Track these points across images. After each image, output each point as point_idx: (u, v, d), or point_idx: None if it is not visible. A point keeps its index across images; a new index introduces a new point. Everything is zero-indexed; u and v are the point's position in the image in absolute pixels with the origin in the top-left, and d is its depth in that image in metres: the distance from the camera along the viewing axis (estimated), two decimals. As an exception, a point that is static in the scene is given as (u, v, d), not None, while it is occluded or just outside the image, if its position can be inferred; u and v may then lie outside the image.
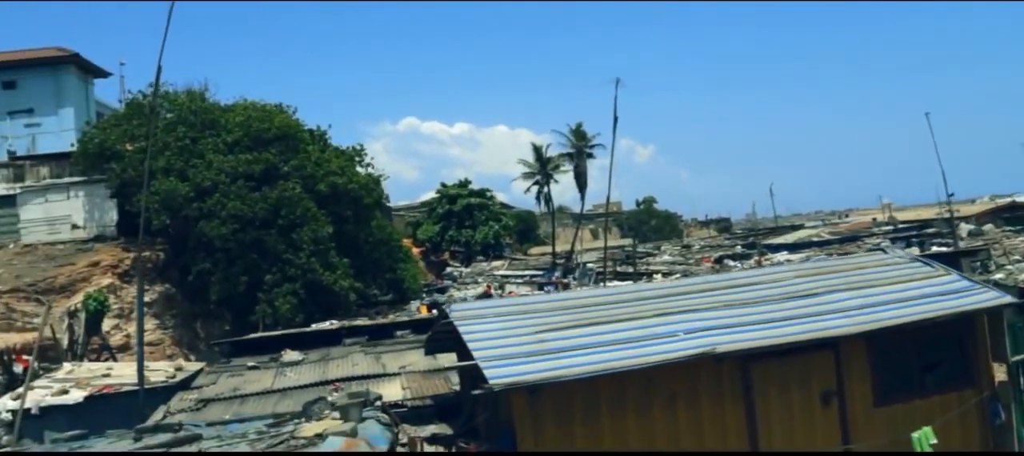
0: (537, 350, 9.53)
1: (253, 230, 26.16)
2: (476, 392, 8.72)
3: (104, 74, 40.95)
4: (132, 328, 23.32)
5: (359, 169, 31.58)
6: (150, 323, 24.18)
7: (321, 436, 8.55)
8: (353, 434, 8.44)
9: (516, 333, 9.97)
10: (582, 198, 58.00)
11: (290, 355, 15.68)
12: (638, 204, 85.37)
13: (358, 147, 32.32)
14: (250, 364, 15.57)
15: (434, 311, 20.68)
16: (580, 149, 56.63)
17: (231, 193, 26.20)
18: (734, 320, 10.42)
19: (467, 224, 53.00)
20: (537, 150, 57.37)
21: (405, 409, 11.92)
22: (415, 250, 44.84)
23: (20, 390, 13.31)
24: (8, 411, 12.93)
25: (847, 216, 70.47)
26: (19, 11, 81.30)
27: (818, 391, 10.48)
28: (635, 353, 9.50)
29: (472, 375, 11.93)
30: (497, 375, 8.78)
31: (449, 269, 47.84)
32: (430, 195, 58.57)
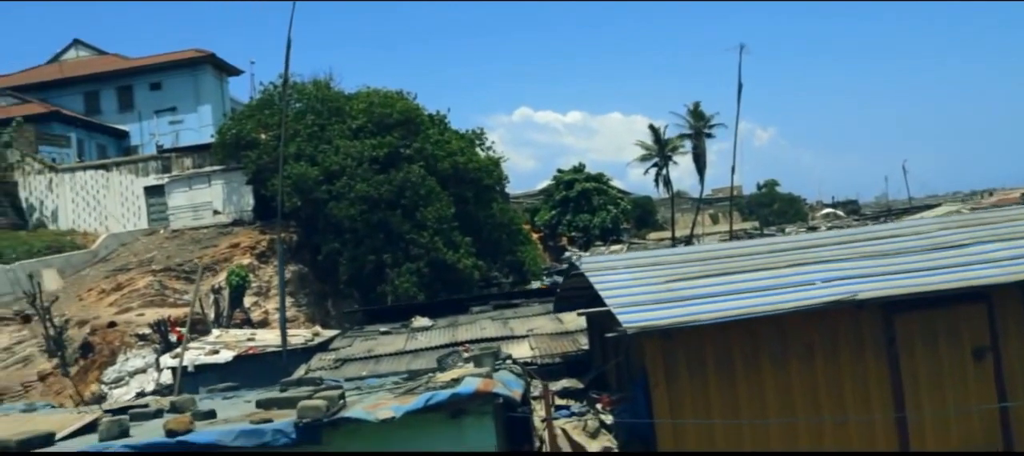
0: (668, 297, 9.46)
1: (379, 211, 27.03)
2: (610, 335, 8.72)
3: (237, 72, 43.22)
4: (270, 305, 24.60)
5: (479, 151, 32.09)
6: (286, 301, 25.42)
7: (457, 380, 8.77)
8: (489, 377, 8.63)
9: (647, 282, 9.91)
10: (701, 179, 56.78)
11: (420, 321, 16.14)
12: (759, 187, 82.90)
13: (477, 130, 32.88)
14: (382, 330, 16.12)
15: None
16: (699, 130, 55.47)
17: (358, 176, 27.15)
18: (875, 270, 9.99)
19: (585, 209, 52.86)
20: (655, 131, 56.52)
21: (535, 366, 12.07)
22: (534, 235, 45.16)
23: (178, 350, 14.28)
24: (168, 368, 13.90)
25: (991, 195, 66.20)
26: (161, 16, 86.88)
27: (970, 346, 9.91)
28: (769, 301, 9.26)
29: (601, 330, 11.99)
30: (630, 320, 8.75)
31: (567, 254, 47.93)
32: (547, 183, 58.80)
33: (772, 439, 9.43)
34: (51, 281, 23.96)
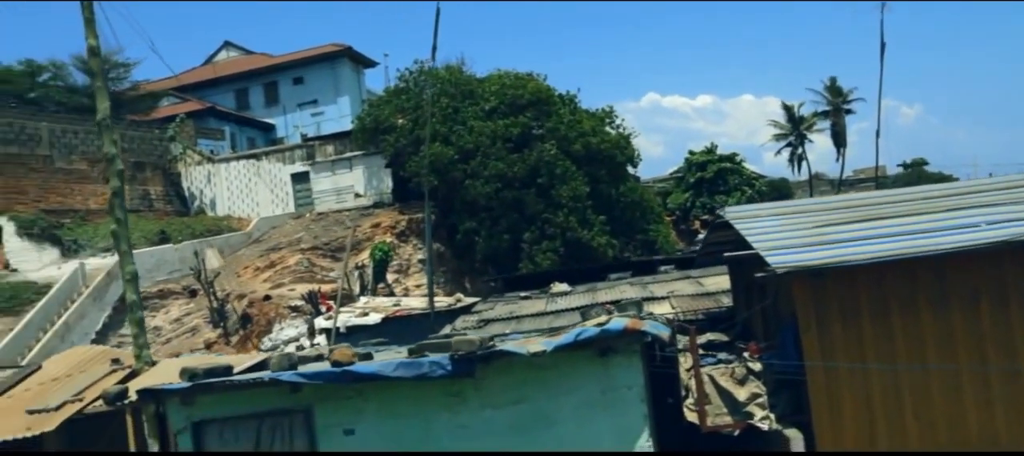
0: (818, 240, 9.22)
1: (513, 190, 27.46)
2: (759, 275, 8.58)
3: (372, 64, 44.81)
4: (410, 282, 25.50)
5: (609, 130, 32.00)
6: (423, 279, 26.27)
7: (604, 322, 8.89)
8: (636, 317, 8.70)
9: (795, 228, 9.70)
10: (841, 157, 54.27)
11: (559, 287, 16.34)
12: (905, 167, 78.41)
13: (607, 108, 32.73)
14: (522, 295, 16.42)
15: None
16: (837, 106, 53.06)
17: (492, 155, 27.67)
18: (1046, 213, 9.37)
19: (720, 190, 51.62)
20: (789, 110, 54.46)
21: (677, 323, 12.00)
22: (666, 218, 44.53)
23: (330, 314, 15.09)
24: (321, 329, 14.72)
25: None
26: (302, 15, 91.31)
27: None
28: (929, 243, 8.86)
29: (746, 283, 11.80)
30: (780, 261, 8.59)
31: (700, 237, 46.98)
32: (677, 168, 57.74)
33: (933, 387, 9.03)
34: (213, 260, 25.72)
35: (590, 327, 8.24)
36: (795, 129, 54.50)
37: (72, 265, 25.14)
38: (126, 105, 35.74)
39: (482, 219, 27.53)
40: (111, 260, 25.22)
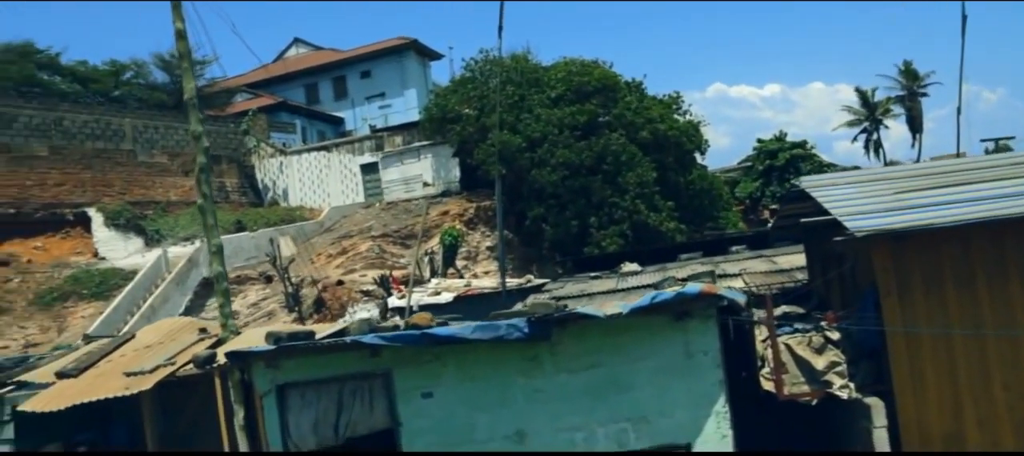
0: (898, 206, 9.03)
1: (581, 177, 27.43)
2: (837, 240, 8.45)
3: (437, 56, 45.30)
4: (478, 268, 25.76)
5: (677, 117, 31.71)
6: (491, 266, 26.50)
7: (681, 287, 8.89)
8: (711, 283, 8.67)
9: (874, 195, 9.52)
10: (917, 143, 52.57)
11: (629, 266, 16.32)
12: (987, 153, 75.46)
13: (674, 94, 32.41)
14: (592, 275, 16.45)
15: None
16: (912, 90, 51.45)
17: (559, 143, 27.70)
18: None
19: (791, 178, 50.54)
20: (863, 95, 52.98)
21: (751, 297, 11.89)
22: (735, 207, 43.84)
23: (402, 295, 15.38)
24: (393, 310, 15.01)
25: None
26: (369, 9, 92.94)
27: None
28: (1019, 204, 8.59)
29: (821, 255, 11.63)
30: (858, 225, 8.45)
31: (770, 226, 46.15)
32: (744, 158, 56.73)
33: (1023, 356, 8.77)
34: (286, 248, 26.36)
35: (665, 292, 8.24)
36: (870, 114, 53.00)
37: (155, 253, 26.16)
38: (202, 101, 36.84)
39: (550, 206, 27.58)
40: (191, 248, 26.18)
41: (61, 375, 9.86)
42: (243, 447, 10.02)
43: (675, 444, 8.43)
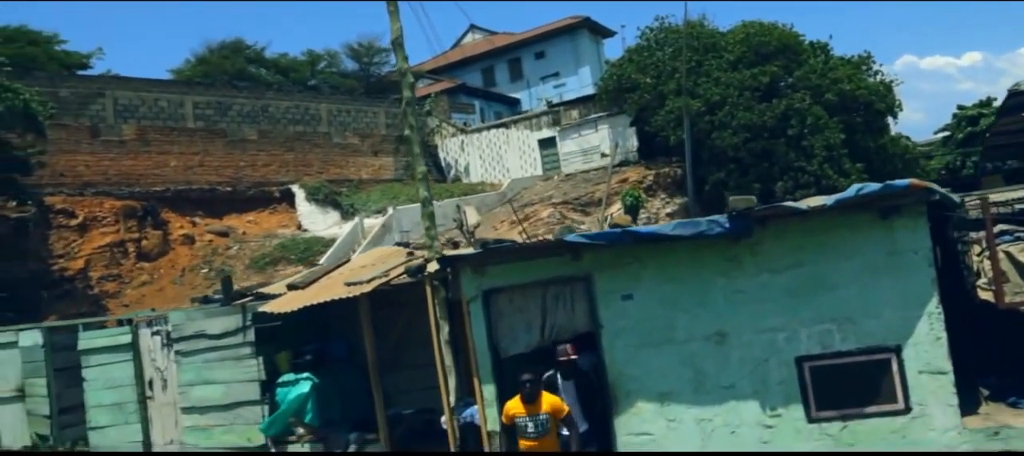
0: None
1: (762, 140, 26.72)
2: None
3: (610, 34, 45.48)
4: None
5: (866, 78, 30.13)
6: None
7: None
8: (921, 181, 8.34)
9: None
10: None
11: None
12: None
13: (864, 54, 30.79)
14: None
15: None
16: None
17: (739, 105, 27.10)
18: None
19: (993, 146, 46.63)
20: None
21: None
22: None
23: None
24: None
25: None
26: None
27: None
28: None
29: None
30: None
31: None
32: (939, 130, 52.74)
33: None
34: (471, 216, 27.42)
35: (871, 184, 8.03)
36: (1089, 75, 47.76)
37: (350, 224, 28.07)
38: (388, 87, 39.07)
39: (731, 170, 27.05)
40: (382, 218, 27.88)
41: (291, 287, 10.98)
42: (447, 361, 10.71)
43: (883, 346, 8.19)
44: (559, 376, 8.99)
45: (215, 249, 28.01)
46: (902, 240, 8.16)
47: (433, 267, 9.96)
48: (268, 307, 10.31)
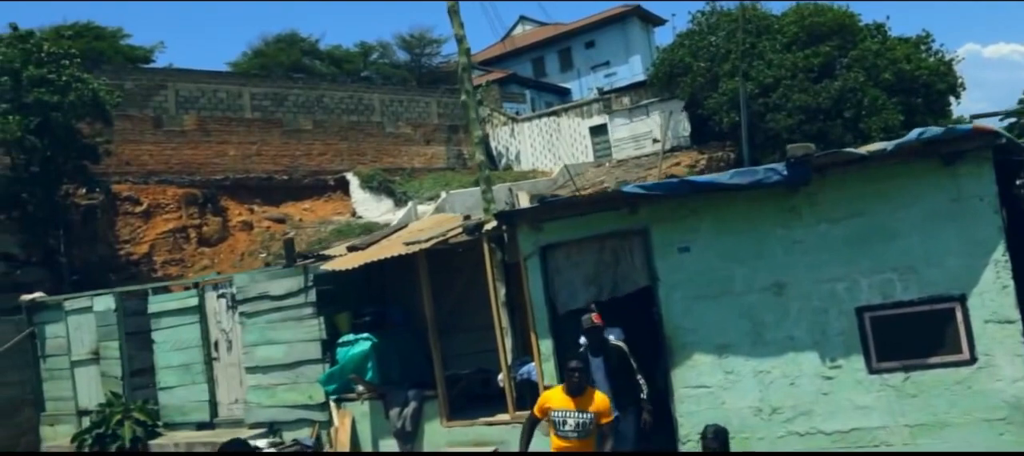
0: None
1: (818, 122, 26.36)
2: None
3: (660, 22, 45.23)
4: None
5: (926, 57, 29.47)
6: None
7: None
8: (985, 128, 8.22)
9: None
10: None
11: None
12: None
13: (924, 34, 30.13)
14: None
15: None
16: None
17: (793, 87, 26.75)
18: None
19: (1062, 131, 45.21)
20: None
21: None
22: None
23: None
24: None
25: None
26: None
27: None
28: None
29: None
30: None
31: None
32: (1005, 115, 51.31)
33: None
34: (523, 201, 27.59)
35: (933, 128, 7.93)
36: None
37: (405, 209, 28.44)
38: (440, 78, 39.48)
39: (785, 153, 26.68)
40: (434, 205, 28.22)
41: (351, 248, 11.25)
42: (504, 322, 10.86)
43: (947, 295, 8.07)
44: (589, 352, 8.56)
45: (272, 235, 28.62)
46: (967, 186, 8.02)
47: (490, 225, 10.10)
48: (329, 265, 10.59)
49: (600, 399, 7.40)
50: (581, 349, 8.76)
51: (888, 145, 7.92)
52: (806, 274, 8.52)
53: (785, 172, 8.06)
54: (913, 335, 8.17)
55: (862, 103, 26.46)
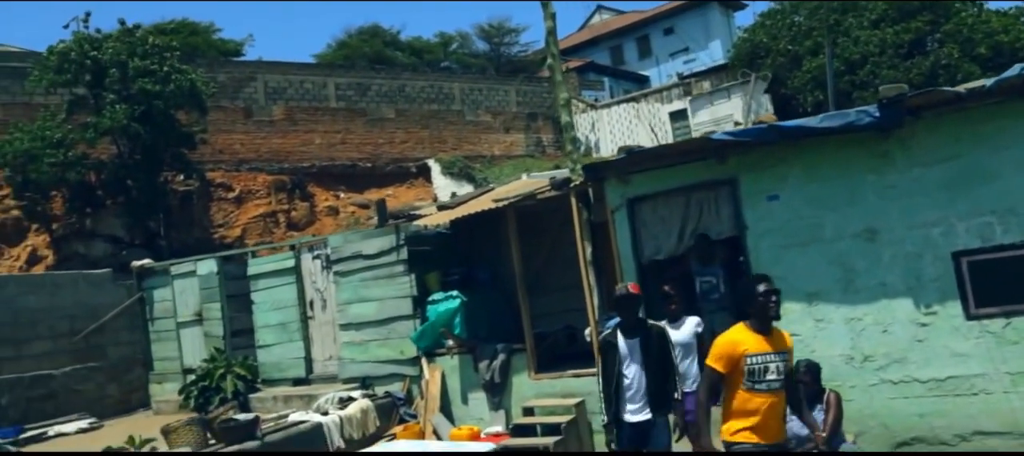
0: None
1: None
2: None
3: (741, 6, 44.43)
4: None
5: (1024, 28, 28.30)
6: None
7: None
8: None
9: None
10: None
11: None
12: None
13: (1023, 3, 28.91)
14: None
15: None
16: None
17: (882, 64, 26.07)
18: None
19: None
20: None
21: None
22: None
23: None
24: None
25: None
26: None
27: None
28: None
29: None
30: None
31: None
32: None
33: None
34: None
35: (1036, 65, 7.73)
36: None
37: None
38: (519, 67, 39.77)
39: (873, 131, 26.03)
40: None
41: (441, 207, 11.59)
42: (591, 280, 10.99)
43: (1050, 238, 7.87)
44: (620, 333, 6.93)
45: (358, 219, 29.39)
46: (1071, 126, 7.81)
47: (578, 179, 10.27)
48: (421, 222, 10.94)
49: (787, 335, 5.75)
50: (606, 331, 7.29)
51: (988, 82, 7.75)
52: (899, 219, 8.42)
53: (877, 114, 7.97)
54: (1014, 280, 7.98)
55: (956, 79, 25.57)
